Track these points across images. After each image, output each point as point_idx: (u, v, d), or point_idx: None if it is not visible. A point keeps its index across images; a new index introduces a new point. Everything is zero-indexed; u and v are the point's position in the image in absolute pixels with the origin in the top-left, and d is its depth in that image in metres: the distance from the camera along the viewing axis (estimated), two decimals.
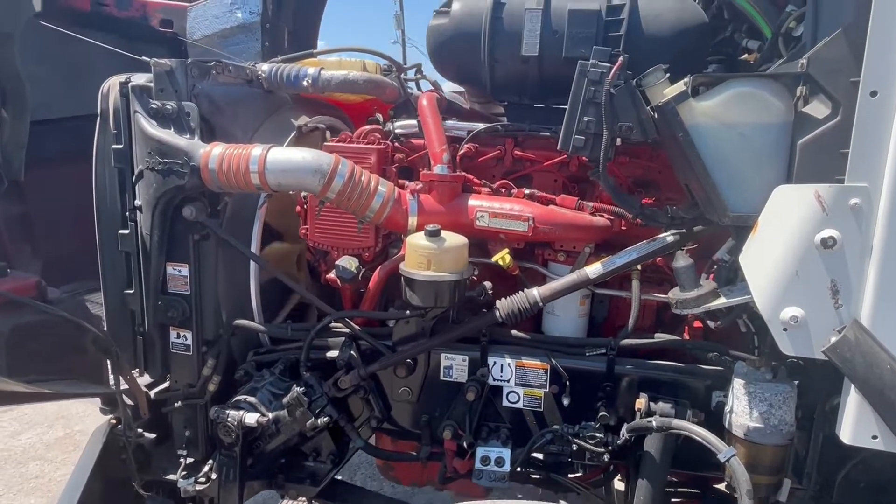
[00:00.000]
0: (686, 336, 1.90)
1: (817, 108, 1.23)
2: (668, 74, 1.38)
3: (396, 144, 2.02)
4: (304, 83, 2.11)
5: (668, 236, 1.63)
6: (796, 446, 1.59)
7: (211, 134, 1.85)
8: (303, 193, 1.95)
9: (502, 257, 1.73)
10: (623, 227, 1.81)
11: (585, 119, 1.48)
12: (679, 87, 1.30)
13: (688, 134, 1.28)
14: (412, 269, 1.62)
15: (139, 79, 1.86)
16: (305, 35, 3.65)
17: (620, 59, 1.44)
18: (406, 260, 1.66)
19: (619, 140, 1.46)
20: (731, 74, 1.29)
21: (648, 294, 1.83)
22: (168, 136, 1.75)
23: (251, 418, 1.77)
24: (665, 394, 1.74)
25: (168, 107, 1.77)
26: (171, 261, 1.91)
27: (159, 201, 1.79)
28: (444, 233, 1.62)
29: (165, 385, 2.06)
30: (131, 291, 1.94)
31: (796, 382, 1.54)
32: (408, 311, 1.73)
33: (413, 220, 1.77)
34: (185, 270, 1.91)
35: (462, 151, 1.90)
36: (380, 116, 2.18)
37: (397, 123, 2.01)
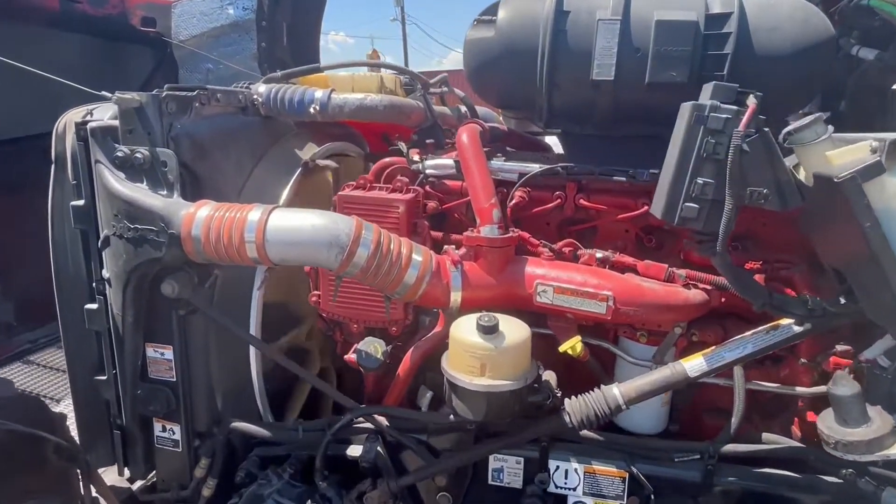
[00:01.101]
0: (795, 429, 1.53)
1: None
2: (831, 129, 0.98)
3: (428, 188, 1.62)
4: (311, 110, 1.71)
5: (794, 325, 1.24)
6: None
7: (196, 185, 1.46)
8: None
9: (573, 347, 1.35)
10: (723, 300, 1.42)
11: (700, 181, 1.09)
12: (863, 151, 0.90)
13: (877, 224, 0.89)
14: (461, 373, 1.24)
15: (102, 114, 1.46)
16: (306, 31, 3.21)
17: (753, 101, 1.05)
18: (451, 359, 1.28)
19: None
20: None
21: (752, 383, 1.45)
22: (139, 194, 1.36)
23: None
24: None
25: (138, 155, 1.37)
26: (152, 342, 1.54)
27: (131, 276, 1.40)
28: (502, 322, 1.24)
29: (151, 478, 1.70)
30: (104, 378, 1.57)
31: None
32: (451, 417, 1.36)
33: (457, 297, 1.38)
34: (168, 353, 1.53)
35: (514, 202, 1.50)
36: (402, 146, 1.78)
37: (429, 162, 1.61)
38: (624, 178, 1.48)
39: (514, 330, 1.25)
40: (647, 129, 1.56)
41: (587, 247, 1.61)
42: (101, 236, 1.43)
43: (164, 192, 1.37)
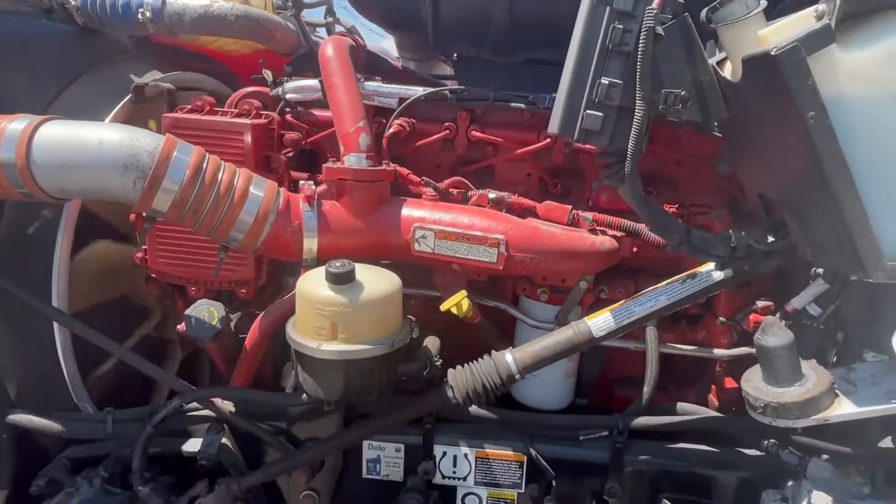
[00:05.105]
0: (713, 398, 1.35)
1: None
2: (763, 1, 0.76)
3: (289, 117, 1.31)
4: (141, 16, 1.35)
5: (714, 272, 1.04)
6: None
7: None
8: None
9: (457, 304, 1.09)
10: (634, 249, 1.21)
11: (605, 82, 0.85)
12: (805, 21, 0.69)
13: (824, 114, 0.67)
14: (308, 338, 0.95)
15: None
16: None
17: None
18: (297, 321, 0.99)
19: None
20: None
21: (666, 346, 1.26)
22: None
23: None
24: (692, 493, 1.20)
25: None
26: None
27: None
28: (360, 271, 0.96)
29: None
30: None
31: None
32: (304, 396, 1.06)
33: (312, 244, 1.09)
34: None
35: (392, 130, 1.22)
36: (268, 73, 1.45)
37: (289, 84, 1.29)
38: (523, 105, 1.23)
39: (377, 279, 0.97)
40: (552, 53, 1.32)
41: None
42: None
43: None
